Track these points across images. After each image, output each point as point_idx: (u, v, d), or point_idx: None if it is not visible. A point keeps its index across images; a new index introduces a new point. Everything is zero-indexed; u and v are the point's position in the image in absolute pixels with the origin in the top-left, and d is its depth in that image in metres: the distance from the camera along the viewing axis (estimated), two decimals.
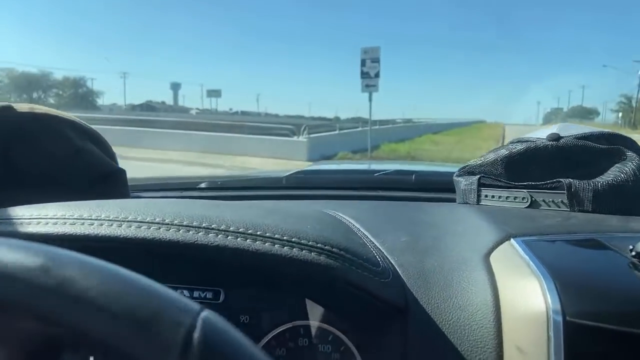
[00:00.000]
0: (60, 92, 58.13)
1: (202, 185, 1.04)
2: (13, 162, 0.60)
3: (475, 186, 0.77)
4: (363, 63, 10.88)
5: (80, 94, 58.73)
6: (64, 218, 0.44)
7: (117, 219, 0.44)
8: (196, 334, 0.21)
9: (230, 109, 74.75)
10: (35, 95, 55.81)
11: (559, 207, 0.69)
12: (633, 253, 0.46)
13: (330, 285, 0.45)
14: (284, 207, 0.65)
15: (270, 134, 12.68)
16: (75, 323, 0.21)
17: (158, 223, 0.44)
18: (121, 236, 0.43)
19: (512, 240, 0.53)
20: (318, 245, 0.46)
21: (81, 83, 59.73)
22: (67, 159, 0.63)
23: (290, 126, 13.03)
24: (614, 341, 0.39)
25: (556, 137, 0.75)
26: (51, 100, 56.13)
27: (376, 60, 10.87)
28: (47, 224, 0.44)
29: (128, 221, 0.44)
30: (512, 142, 0.80)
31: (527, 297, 0.43)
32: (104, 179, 0.66)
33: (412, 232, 0.60)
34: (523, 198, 0.72)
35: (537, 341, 0.41)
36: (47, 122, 0.63)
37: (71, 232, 0.43)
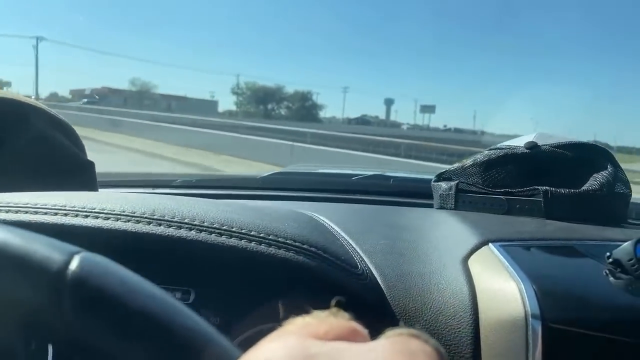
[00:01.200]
0: (290, 105, 64.73)
1: (177, 182, 1.02)
2: None
3: (453, 191, 0.77)
4: None
5: (306, 107, 64.31)
6: (28, 207, 0.42)
7: (83, 210, 0.42)
8: (70, 268, 0.21)
9: (445, 126, 72.40)
10: (269, 106, 63.47)
11: (535, 214, 0.70)
12: (610, 260, 0.47)
13: (308, 285, 0.43)
14: (260, 205, 0.64)
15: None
16: None
17: (127, 215, 0.42)
18: (88, 226, 0.41)
19: (490, 245, 0.53)
20: (296, 243, 0.44)
21: (308, 96, 65.50)
22: (32, 145, 0.61)
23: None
24: (591, 347, 0.41)
25: (533, 145, 0.76)
26: (282, 112, 63.02)
27: None
28: (8, 212, 0.42)
29: (95, 212, 0.42)
30: (490, 149, 0.80)
31: (505, 302, 0.44)
32: (71, 171, 0.65)
33: (390, 235, 0.61)
34: (500, 204, 0.73)
35: (516, 346, 0.41)
36: (12, 107, 0.61)
37: (31, 221, 0.41)
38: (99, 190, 0.71)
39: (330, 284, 0.44)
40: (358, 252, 0.53)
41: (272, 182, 1.06)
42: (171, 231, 0.41)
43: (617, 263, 0.48)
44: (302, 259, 0.43)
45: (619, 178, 0.74)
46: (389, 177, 1.11)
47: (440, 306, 0.47)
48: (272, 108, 63.84)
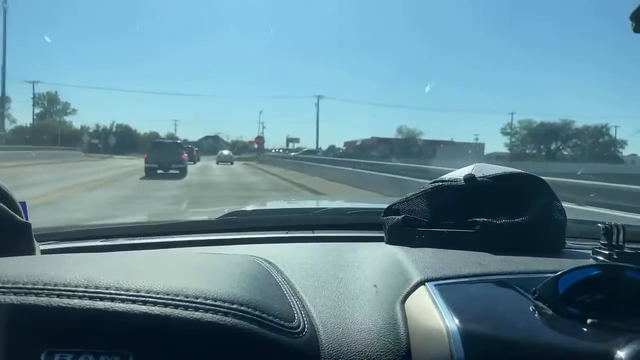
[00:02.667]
0: (579, 142, 54.21)
1: (126, 232, 1.00)
2: None
3: (399, 226, 0.80)
4: None
5: (601, 143, 52.74)
6: None
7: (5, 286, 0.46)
8: None
9: None
10: (553, 145, 54.22)
11: (475, 246, 0.71)
12: (536, 295, 0.50)
13: (239, 346, 0.45)
14: (200, 261, 0.65)
15: None
16: None
17: (44, 290, 0.45)
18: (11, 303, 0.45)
19: (427, 284, 0.56)
20: (225, 305, 0.46)
21: (602, 131, 53.63)
22: None
23: None
24: None
25: (471, 177, 0.78)
26: (567, 152, 53.04)
27: None
28: None
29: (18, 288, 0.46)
30: (432, 182, 0.83)
31: (435, 345, 0.47)
32: (5, 233, 0.68)
33: (334, 279, 0.64)
34: (442, 238, 0.75)
35: None
36: None
37: None
38: (48, 242, 0.88)
39: (262, 344, 0.45)
40: (300, 300, 0.56)
41: (227, 224, 1.05)
42: (98, 304, 0.44)
43: (542, 299, 0.50)
44: (230, 320, 0.45)
45: (554, 206, 0.76)
46: (346, 211, 1.15)
47: (376, 351, 0.50)
48: (557, 147, 54.46)
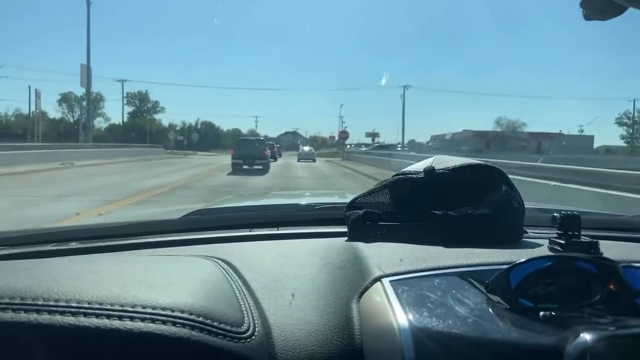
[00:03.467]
0: None
1: (79, 235, 0.95)
2: None
3: (360, 221, 0.79)
4: None
5: None
6: None
7: None
8: None
9: None
10: None
11: (435, 239, 0.72)
12: (488, 288, 0.50)
13: (179, 354, 0.45)
14: (149, 265, 0.65)
15: None
16: None
17: None
18: None
19: (383, 280, 0.57)
20: (164, 312, 0.46)
21: None
22: None
23: None
24: None
25: (430, 170, 0.78)
26: None
27: None
28: None
29: None
30: (395, 175, 0.84)
31: (387, 343, 0.47)
32: None
33: (295, 275, 0.65)
34: (403, 232, 0.75)
35: None
36: None
37: None
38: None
39: (204, 351, 0.45)
40: (254, 304, 0.56)
41: (190, 223, 1.02)
42: (43, 318, 0.43)
43: (494, 292, 0.50)
44: (168, 329, 0.44)
45: (512, 196, 0.77)
46: (311, 206, 1.12)
47: (330, 351, 0.51)
48: None
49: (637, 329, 0.42)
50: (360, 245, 0.72)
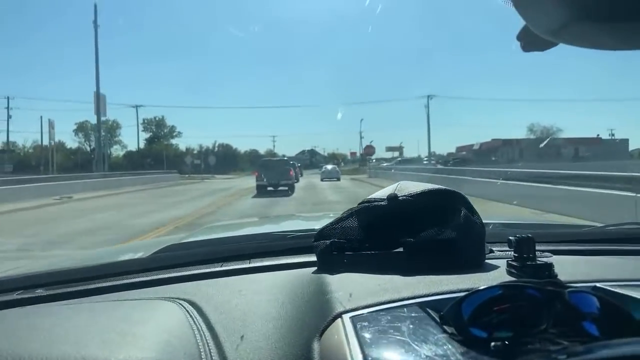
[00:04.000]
0: None
1: (50, 279, 0.91)
2: None
3: (328, 251, 0.79)
4: None
5: None
6: None
7: None
8: None
9: None
10: None
11: (400, 268, 0.72)
12: (443, 319, 0.51)
13: None
14: (106, 314, 0.64)
15: None
16: None
17: None
18: None
19: (343, 317, 0.57)
20: None
21: None
22: None
23: None
24: None
25: (393, 197, 0.80)
26: None
27: None
28: None
29: None
30: (361, 203, 0.84)
31: None
32: None
33: (262, 313, 0.64)
34: (367, 260, 0.76)
35: None
36: None
37: None
38: None
39: None
40: (216, 349, 0.56)
41: (160, 260, 0.99)
42: None
43: (448, 323, 0.50)
44: None
45: (472, 219, 0.77)
46: (284, 235, 1.10)
47: None
48: None
49: (583, 356, 0.42)
50: (327, 278, 0.71)
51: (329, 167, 35.42)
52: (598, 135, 47.63)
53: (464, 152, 50.84)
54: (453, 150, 55.04)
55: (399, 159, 43.85)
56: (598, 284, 0.57)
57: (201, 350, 0.54)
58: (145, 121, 67.89)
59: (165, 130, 70.06)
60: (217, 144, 71.12)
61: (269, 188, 18.00)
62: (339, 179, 30.74)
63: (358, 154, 55.92)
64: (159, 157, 52.59)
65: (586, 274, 0.69)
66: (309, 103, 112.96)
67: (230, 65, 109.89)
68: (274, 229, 1.42)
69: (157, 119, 68.24)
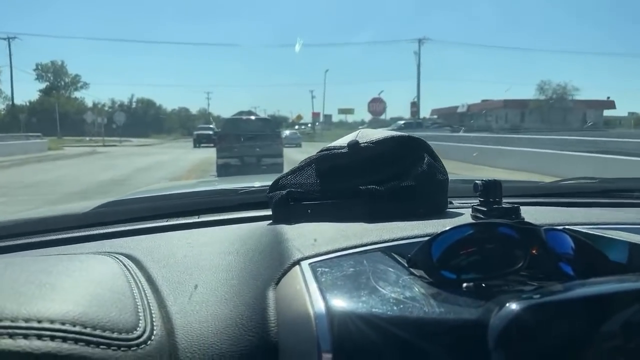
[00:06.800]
0: None
1: None
2: None
3: (284, 202, 0.75)
4: None
5: None
6: None
7: None
8: None
9: None
10: None
11: (361, 216, 0.70)
12: (410, 262, 0.49)
13: None
14: (36, 269, 0.57)
15: None
16: None
17: None
18: None
19: (302, 263, 0.54)
20: (30, 325, 0.41)
21: None
22: None
23: None
24: None
25: (354, 144, 0.77)
26: None
27: None
28: None
29: None
30: (320, 151, 0.81)
31: (300, 335, 0.44)
32: None
33: (210, 266, 0.61)
34: (327, 209, 0.73)
35: None
36: None
37: None
38: None
39: None
40: (156, 304, 0.52)
41: (97, 216, 0.92)
42: None
43: (416, 266, 0.48)
44: (31, 345, 0.39)
45: (436, 167, 0.76)
46: (236, 190, 1.05)
47: (237, 352, 0.47)
48: None
49: (561, 295, 0.41)
50: (284, 228, 0.68)
51: (287, 132, 33.11)
52: (608, 97, 40.75)
53: (436, 116, 42.36)
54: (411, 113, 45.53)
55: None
56: (567, 227, 0.53)
57: (138, 303, 0.50)
58: (40, 67, 53.78)
59: (67, 80, 55.86)
60: (134, 99, 58.39)
61: (240, 166, 10.00)
62: (299, 145, 28.62)
63: (321, 116, 46.40)
64: (52, 114, 39.45)
65: (553, 218, 0.68)
66: (252, 44, 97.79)
67: None
68: (222, 186, 1.34)
69: (54, 64, 53.88)
